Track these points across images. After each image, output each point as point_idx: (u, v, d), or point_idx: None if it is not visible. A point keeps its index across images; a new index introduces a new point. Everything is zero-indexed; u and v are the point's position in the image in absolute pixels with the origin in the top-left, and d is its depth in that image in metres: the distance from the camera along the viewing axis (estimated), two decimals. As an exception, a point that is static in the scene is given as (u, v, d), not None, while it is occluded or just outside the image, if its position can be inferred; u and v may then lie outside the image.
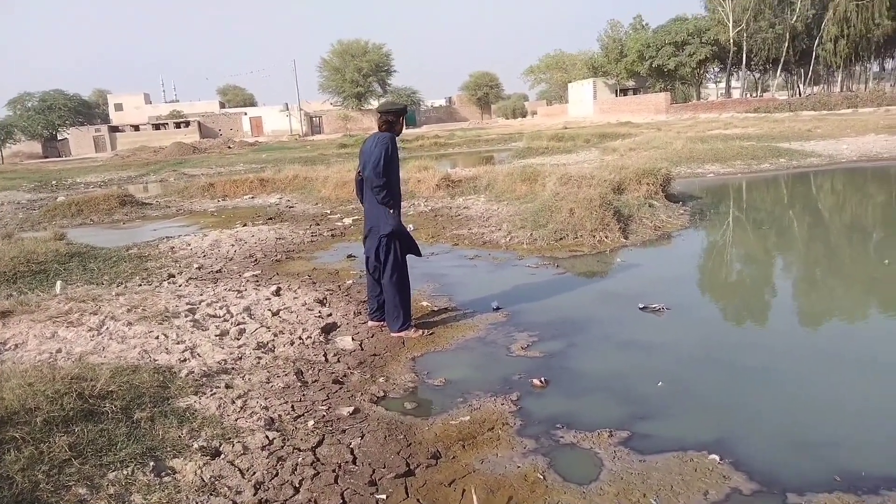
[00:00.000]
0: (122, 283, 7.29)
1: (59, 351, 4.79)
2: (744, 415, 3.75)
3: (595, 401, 4.02)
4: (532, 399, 4.05)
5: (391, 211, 5.17)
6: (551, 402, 4.01)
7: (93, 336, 5.09)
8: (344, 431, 3.70)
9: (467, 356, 4.87)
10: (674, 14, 58.72)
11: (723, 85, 61.74)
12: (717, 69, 63.19)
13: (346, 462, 3.37)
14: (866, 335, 5.13)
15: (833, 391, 4.02)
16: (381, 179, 5.03)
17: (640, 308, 5.69)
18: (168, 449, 3.41)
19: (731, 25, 50.19)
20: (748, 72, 60.35)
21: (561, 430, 3.63)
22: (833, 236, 9.12)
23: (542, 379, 4.28)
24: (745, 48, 51.00)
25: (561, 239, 8.46)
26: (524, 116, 79.26)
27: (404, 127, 5.35)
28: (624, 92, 62.36)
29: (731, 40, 50.67)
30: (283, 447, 3.50)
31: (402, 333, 5.28)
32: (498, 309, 5.88)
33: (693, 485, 3.01)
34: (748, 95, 59.07)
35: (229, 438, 3.55)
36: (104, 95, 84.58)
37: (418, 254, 5.62)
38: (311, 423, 3.78)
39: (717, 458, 3.22)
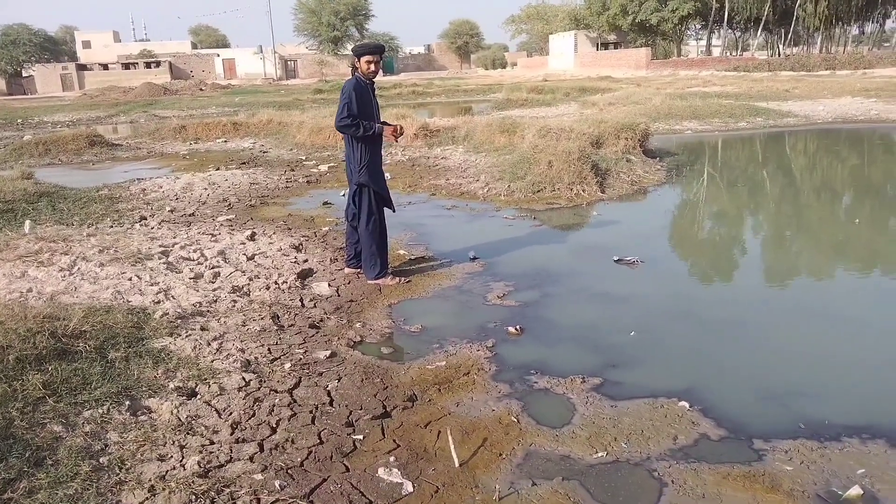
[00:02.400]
0: (92, 224, 7.16)
1: (29, 290, 4.71)
2: (713, 365, 3.85)
3: (569, 349, 4.09)
4: (507, 346, 4.11)
5: (365, 160, 5.11)
6: (526, 350, 4.07)
7: (64, 276, 5.01)
8: (321, 374, 3.72)
9: (444, 304, 4.91)
10: (658, -33, 57.59)
11: (703, 42, 61.41)
12: (698, 26, 62.74)
13: (324, 404, 3.40)
14: (833, 290, 5.26)
15: (800, 343, 4.13)
16: (343, 125, 4.99)
17: (614, 260, 5.75)
18: (143, 389, 3.41)
19: (714, -19, 49.71)
20: (729, 30, 60.06)
21: (535, 375, 3.69)
22: (805, 195, 9.25)
23: (518, 327, 4.34)
24: (727, 6, 50.63)
25: (538, 191, 8.47)
26: (504, 67, 78.23)
27: (378, 70, 5.19)
28: (605, 46, 61.77)
29: (714, -3, 50.26)
30: (259, 389, 3.52)
31: (378, 281, 5.29)
32: (475, 259, 5.90)
33: (663, 430, 3.10)
34: (728, 54, 58.83)
35: (205, 379, 3.56)
36: (71, 32, 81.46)
37: (392, 208, 5.56)
38: (287, 365, 3.80)
39: (686, 405, 3.31)
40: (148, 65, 65.30)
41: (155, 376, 3.53)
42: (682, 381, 3.61)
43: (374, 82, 5.24)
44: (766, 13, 50.28)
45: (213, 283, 5.15)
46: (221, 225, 7.27)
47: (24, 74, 63.53)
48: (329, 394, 3.50)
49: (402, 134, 5.48)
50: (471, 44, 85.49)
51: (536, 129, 10.67)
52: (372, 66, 5.06)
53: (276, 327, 4.38)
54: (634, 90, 24.58)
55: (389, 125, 5.33)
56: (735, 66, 42.01)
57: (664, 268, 5.80)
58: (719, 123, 16.42)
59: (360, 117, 5.01)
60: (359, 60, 5.07)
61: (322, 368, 3.79)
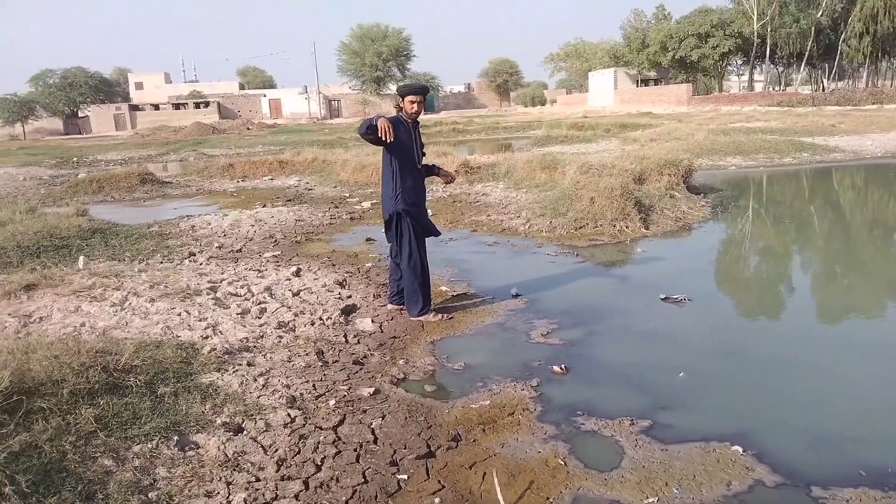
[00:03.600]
0: (143, 260, 7.35)
1: (82, 325, 4.84)
2: (767, 408, 3.73)
3: (616, 389, 4.01)
4: (552, 386, 4.05)
5: (400, 187, 5.14)
6: (572, 389, 4.00)
7: (116, 311, 5.14)
8: (365, 412, 3.72)
9: (487, 341, 4.88)
10: (698, 5, 57.76)
11: (745, 78, 60.97)
12: (739, 62, 62.38)
13: (368, 442, 3.39)
14: (889, 330, 5.07)
15: (857, 386, 3.98)
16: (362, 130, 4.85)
17: (661, 299, 5.66)
18: (192, 424, 3.44)
19: (755, 18, 49.50)
20: (771, 65, 59.60)
21: (581, 417, 3.62)
22: (856, 232, 9.01)
23: (563, 366, 4.28)
24: (769, 42, 50.29)
25: (581, 228, 8.42)
26: (543, 104, 78.83)
27: (421, 110, 5.26)
28: (645, 82, 61.81)
29: (756, 33, 49.98)
30: (304, 425, 3.53)
31: (421, 317, 5.29)
32: (517, 296, 5.87)
33: (716, 476, 3.00)
34: (771, 89, 58.33)
35: (252, 415, 3.58)
36: (125, 74, 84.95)
37: (436, 233, 5.58)
38: (332, 402, 3.81)
39: (739, 449, 3.20)
40: (197, 105, 67.53)
41: (203, 411, 3.57)
42: (734, 425, 3.50)
43: (417, 122, 5.33)
44: (809, 48, 49.78)
45: (259, 318, 5.22)
46: (268, 261, 7.39)
47: (80, 115, 66.24)
48: (373, 432, 3.49)
49: (451, 181, 5.62)
50: (510, 82, 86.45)
51: (577, 166, 10.67)
52: (415, 107, 5.16)
53: (320, 363, 4.40)
54: (676, 126, 24.45)
55: (443, 171, 5.45)
56: (778, 102, 41.55)
57: (712, 306, 5.68)
58: (764, 159, 16.19)
59: (401, 153, 5.07)
60: (403, 100, 5.16)
61: (366, 406, 3.79)
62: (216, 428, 3.42)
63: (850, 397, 3.84)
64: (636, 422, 3.53)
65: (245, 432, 3.43)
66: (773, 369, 4.27)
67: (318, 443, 3.36)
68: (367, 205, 11.51)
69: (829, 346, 4.70)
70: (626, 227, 8.30)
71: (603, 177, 9.64)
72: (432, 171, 5.58)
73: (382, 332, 5.12)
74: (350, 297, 5.93)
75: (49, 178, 20.07)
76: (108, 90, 69.88)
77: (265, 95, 74.57)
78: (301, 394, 3.90)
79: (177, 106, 67.59)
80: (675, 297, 5.67)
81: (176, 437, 3.29)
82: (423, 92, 5.26)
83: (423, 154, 5.42)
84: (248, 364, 4.27)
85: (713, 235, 8.62)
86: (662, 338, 4.87)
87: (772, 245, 8.35)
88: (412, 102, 5.14)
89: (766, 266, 7.46)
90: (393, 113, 5.34)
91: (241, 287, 6.05)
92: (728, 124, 25.22)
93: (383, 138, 4.78)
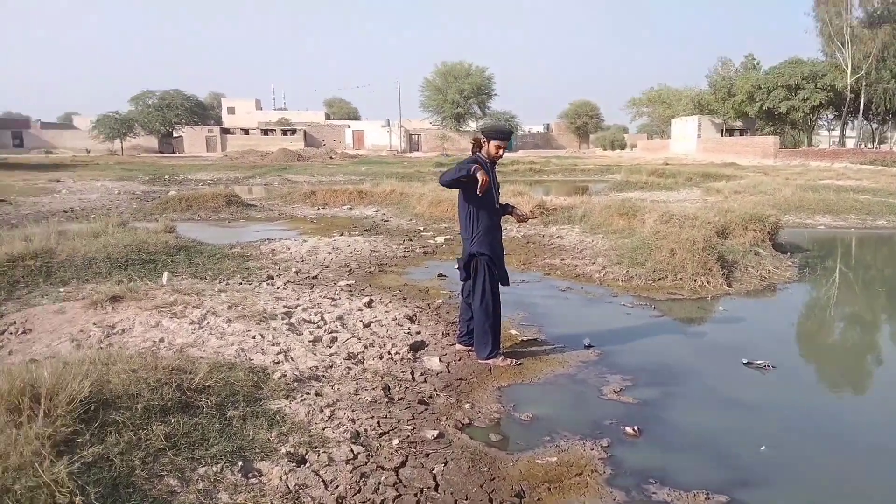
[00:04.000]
0: (224, 280, 7.57)
1: (161, 340, 4.99)
2: (856, 493, 3.45)
3: (692, 458, 3.80)
4: (624, 448, 3.88)
5: (480, 230, 5.11)
6: (644, 454, 3.82)
7: (194, 329, 5.28)
8: (428, 455, 3.65)
9: (556, 393, 4.74)
10: (788, 56, 56.03)
11: (836, 133, 58.66)
12: (831, 116, 60.13)
13: (429, 488, 3.31)
14: None
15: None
16: (445, 179, 4.93)
17: (743, 363, 5.38)
18: (257, 450, 3.46)
19: (849, 72, 47.70)
20: (865, 121, 57.13)
21: (654, 485, 3.44)
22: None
23: (636, 427, 4.10)
24: (863, 97, 48.29)
25: (659, 279, 8.17)
26: (623, 148, 78.00)
27: (503, 155, 5.25)
28: (730, 132, 60.32)
29: (849, 87, 48.08)
30: (367, 463, 3.49)
31: (489, 361, 5.20)
32: (590, 346, 5.71)
33: (800, 565, 2.78)
34: (864, 146, 55.82)
35: (316, 447, 3.57)
36: (219, 98, 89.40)
37: (505, 282, 5.49)
38: (395, 441, 3.75)
39: (828, 539, 2.96)
40: (284, 132, 70.13)
41: (268, 439, 3.58)
42: (821, 509, 3.25)
43: (496, 163, 5.31)
44: (906, 105, 47.54)
45: (329, 347, 5.25)
46: (342, 290, 7.48)
47: (175, 135, 69.83)
48: (435, 478, 3.41)
49: (525, 220, 5.57)
50: (590, 124, 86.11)
51: (658, 214, 10.41)
52: (500, 151, 5.15)
53: (386, 399, 4.37)
54: (762, 179, 23.66)
55: (517, 210, 5.43)
56: (872, 160, 39.64)
57: (799, 375, 5.35)
58: (855, 220, 15.40)
59: (482, 196, 5.05)
60: (488, 142, 5.15)
61: (429, 449, 3.72)
62: (280, 457, 3.42)
63: (954, 491, 3.51)
64: (712, 496, 3.33)
65: (308, 464, 3.41)
66: (864, 451, 3.96)
67: (379, 483, 3.30)
68: (440, 239, 11.56)
69: (929, 430, 4.33)
70: (708, 282, 8.00)
71: (685, 227, 9.36)
72: (506, 209, 5.53)
73: (450, 372, 5.05)
74: (419, 332, 5.90)
75: (142, 193, 21.14)
76: (202, 113, 73.53)
77: (349, 126, 76.81)
78: (365, 429, 3.87)
79: (265, 132, 70.36)
80: (759, 362, 5.38)
81: (240, 463, 3.30)
82: (510, 137, 5.25)
83: (499, 195, 5.40)
84: (316, 394, 4.28)
85: (799, 298, 8.21)
86: (743, 406, 4.61)
87: (862, 312, 7.87)
88: (497, 147, 5.13)
89: (855, 335, 7.02)
90: (469, 149, 5.35)
91: (315, 314, 6.12)
92: (817, 181, 24.21)
93: (479, 193, 4.80)
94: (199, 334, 5.16)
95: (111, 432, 3.21)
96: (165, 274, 7.39)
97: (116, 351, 4.34)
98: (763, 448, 3.90)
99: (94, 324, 5.35)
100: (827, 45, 50.42)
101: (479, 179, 4.69)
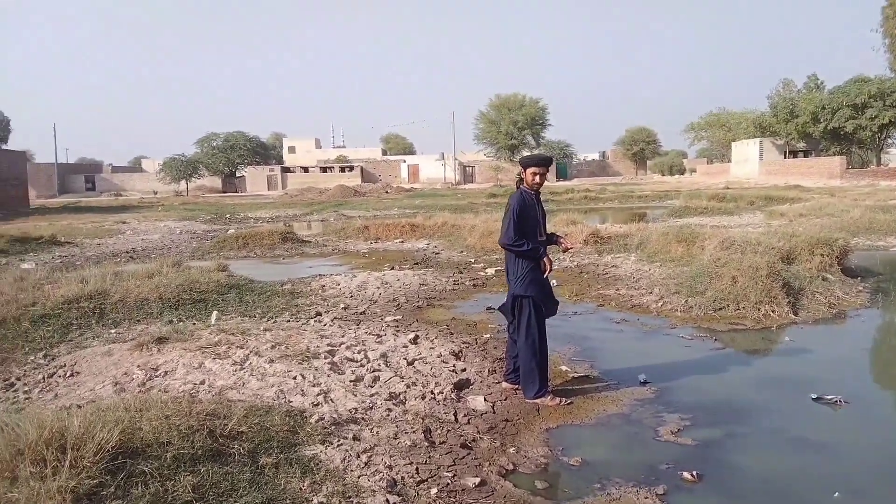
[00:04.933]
0: (272, 318, 7.55)
1: (202, 382, 4.94)
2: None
3: (757, 507, 3.47)
4: (681, 495, 3.57)
5: (524, 270, 4.94)
6: (704, 502, 3.50)
7: (235, 370, 5.22)
8: (468, 505, 3.43)
9: (608, 434, 4.45)
10: (853, 75, 53.92)
11: (908, 151, 55.99)
12: (901, 134, 57.48)
13: (467, 542, 3.09)
14: None
15: None
16: (509, 242, 4.93)
17: (812, 398, 4.97)
18: (287, 501, 3.30)
19: (920, 87, 45.56)
20: (940, 137, 54.37)
21: (715, 539, 3.13)
22: None
23: (694, 472, 3.78)
24: (935, 112, 45.99)
25: (720, 309, 7.75)
26: (682, 174, 76.45)
27: (544, 182, 5.11)
28: (793, 154, 58.36)
29: (920, 103, 45.89)
30: (402, 515, 3.29)
31: (537, 400, 4.95)
32: (645, 383, 5.39)
33: None
34: (938, 163, 53.05)
35: (349, 497, 3.40)
36: (280, 138, 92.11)
37: (551, 312, 5.27)
38: (434, 490, 3.55)
39: None
40: (342, 168, 71.57)
41: (301, 488, 3.43)
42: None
43: (539, 193, 5.14)
44: None
45: (371, 387, 5.10)
46: (388, 325, 7.36)
47: (237, 175, 72.08)
48: (475, 530, 3.19)
49: (567, 249, 5.39)
50: (647, 150, 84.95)
51: (718, 241, 9.97)
52: (538, 178, 4.99)
53: (426, 443, 4.17)
54: (828, 201, 22.64)
55: (559, 238, 5.24)
56: (948, 176, 37.61)
57: (873, 411, 4.91)
58: (933, 241, 14.47)
59: (527, 229, 4.91)
60: (525, 171, 5.01)
61: (470, 499, 3.50)
62: (311, 508, 3.26)
63: None
64: (782, 552, 3.00)
65: (340, 516, 3.24)
66: (960, 500, 3.54)
67: (415, 537, 3.10)
68: (491, 271, 11.36)
69: None
70: (773, 311, 7.53)
71: (747, 254, 8.91)
72: (552, 239, 5.33)
73: (495, 412, 4.83)
74: (464, 370, 5.70)
75: (202, 232, 21.71)
76: (264, 153, 75.75)
77: (405, 161, 77.81)
78: (402, 477, 3.68)
79: (324, 169, 71.95)
80: (829, 397, 4.96)
81: (270, 515, 3.16)
82: (547, 164, 5.08)
83: (546, 225, 5.21)
84: (354, 438, 4.12)
85: (872, 325, 7.65)
86: (813, 446, 4.23)
87: (949, 341, 7.26)
88: (534, 174, 4.98)
89: (943, 366, 6.46)
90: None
91: (359, 352, 5.99)
92: (887, 200, 23.01)
93: (543, 276, 5.05)
94: (239, 376, 5.09)
95: (137, 484, 3.12)
96: (214, 313, 7.43)
97: (153, 395, 4.29)
98: (836, 495, 3.53)
99: (139, 366, 5.36)
100: (894, 61, 48.40)
101: (544, 269, 5.02)
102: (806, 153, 57.49)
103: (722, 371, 5.77)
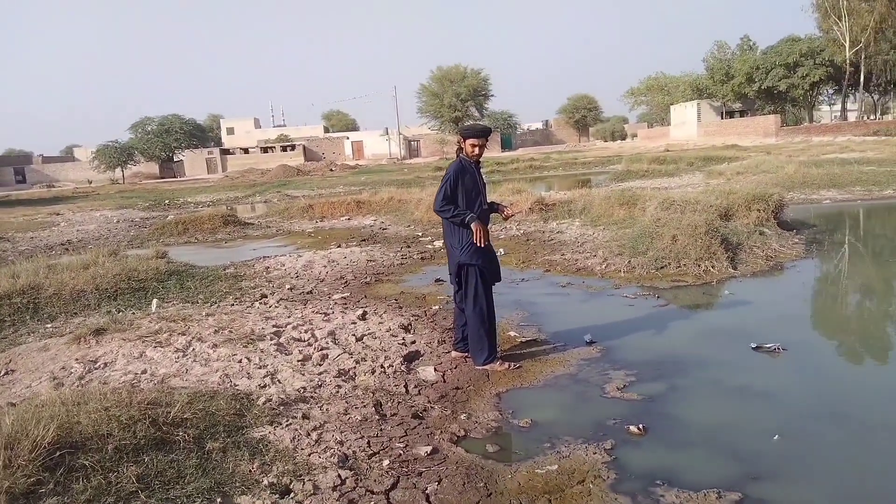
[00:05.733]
0: (215, 303, 7.39)
1: (144, 372, 4.80)
2: (874, 480, 3.22)
3: (700, 454, 3.57)
4: (628, 448, 3.65)
5: (468, 239, 4.91)
6: (650, 454, 3.59)
7: (178, 358, 5.09)
8: (420, 474, 3.43)
9: (557, 395, 4.52)
10: (784, 35, 55.48)
11: (838, 107, 58.07)
12: (831, 91, 59.56)
13: (421, 510, 3.10)
14: None
15: None
16: (441, 209, 4.88)
17: (752, 348, 5.14)
18: (237, 484, 3.25)
19: (847, 46, 47.12)
20: (866, 94, 56.46)
21: (661, 487, 3.21)
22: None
23: (641, 426, 3.87)
24: (863, 69, 47.72)
25: (662, 268, 7.93)
26: (623, 139, 77.63)
27: (483, 152, 5.08)
28: (730, 114, 59.88)
29: (848, 61, 47.52)
30: (354, 489, 3.28)
31: (486, 366, 4.99)
32: (592, 343, 5.48)
33: (823, 569, 2.55)
34: (866, 118, 55.16)
35: (300, 475, 3.36)
36: (217, 120, 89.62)
37: (498, 278, 5.28)
38: (386, 462, 3.54)
39: (851, 536, 2.73)
40: (284, 148, 70.10)
41: (250, 470, 3.37)
42: (837, 501, 3.01)
43: (479, 161, 5.12)
44: (907, 74, 46.92)
45: (319, 365, 5.05)
46: (336, 303, 7.28)
47: (175, 159, 69.91)
48: (428, 498, 3.20)
49: (510, 216, 5.35)
50: (589, 117, 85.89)
51: (659, 202, 10.18)
52: (476, 150, 4.96)
53: (377, 416, 4.16)
54: (764, 158, 23.31)
55: (501, 207, 5.23)
56: (875, 131, 39.16)
57: (810, 357, 5.11)
58: (862, 192, 15.10)
59: (466, 198, 4.89)
60: (464, 142, 4.98)
61: (422, 467, 3.50)
62: (262, 489, 3.21)
63: None
64: (724, 495, 3.10)
65: (291, 495, 3.21)
66: (882, 434, 3.71)
67: (368, 509, 3.10)
68: (438, 244, 11.34)
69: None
70: (712, 266, 7.75)
71: (686, 213, 9.13)
72: (493, 208, 5.32)
73: (445, 382, 4.84)
74: (414, 342, 5.70)
75: (140, 220, 21.06)
76: (202, 135, 73.54)
77: (348, 138, 76.77)
78: (354, 451, 3.66)
79: (265, 149, 70.36)
80: (768, 346, 5.14)
81: (219, 500, 3.10)
82: (486, 135, 5.05)
83: (487, 194, 5.19)
84: (303, 417, 4.08)
85: (808, 275, 7.94)
86: (754, 393, 4.37)
87: (873, 285, 7.60)
88: (474, 146, 4.95)
89: (867, 310, 6.76)
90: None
91: (306, 332, 5.92)
92: (820, 156, 23.87)
93: (478, 244, 4.87)
94: (182, 363, 4.97)
95: (78, 478, 3.01)
96: (154, 301, 7.22)
97: (93, 388, 4.16)
98: (776, 438, 3.67)
99: (77, 360, 5.18)
100: (824, 21, 49.81)
101: (475, 235, 4.83)
102: (742, 113, 59.04)
103: (665, 327, 5.91)
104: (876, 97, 58.35)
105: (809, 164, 19.57)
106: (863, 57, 47.06)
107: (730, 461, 3.47)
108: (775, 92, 53.69)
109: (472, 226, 4.82)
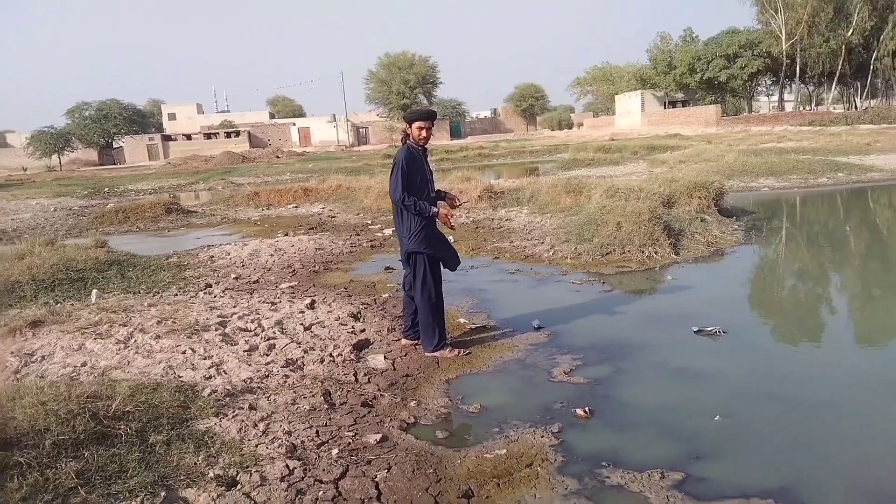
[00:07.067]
0: (158, 293, 7.20)
1: (83, 364, 4.65)
2: (812, 456, 3.37)
3: (645, 435, 3.67)
4: (575, 431, 3.72)
5: (417, 227, 4.90)
6: (596, 436, 3.67)
7: (119, 349, 4.95)
8: (370, 462, 3.43)
9: (505, 380, 4.56)
10: (725, 26, 57.06)
11: (775, 98, 60.02)
12: (769, 82, 61.50)
13: (370, 498, 3.10)
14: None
15: (915, 433, 3.59)
16: (405, 201, 4.83)
17: (693, 331, 5.29)
18: (182, 477, 3.19)
19: (784, 38, 48.68)
20: (802, 85, 58.50)
21: (607, 468, 3.29)
22: (902, 256, 8.51)
23: (587, 409, 3.95)
24: (798, 61, 49.42)
25: (607, 254, 8.08)
26: (570, 128, 78.50)
27: (430, 137, 5.05)
28: (673, 104, 61.21)
29: (785, 53, 49.12)
30: (303, 478, 3.25)
31: (436, 353, 5.00)
32: (539, 328, 5.55)
33: (759, 542, 2.65)
34: (802, 108, 57.19)
35: (247, 467, 3.32)
36: (158, 105, 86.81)
37: (451, 267, 5.30)
38: (335, 451, 3.52)
39: (785, 510, 2.85)
40: (228, 134, 68.50)
41: (195, 463, 3.31)
42: (775, 477, 3.15)
43: (426, 149, 5.10)
44: (840, 67, 48.78)
45: (266, 355, 4.98)
46: (283, 292, 7.18)
47: (115, 146, 67.59)
48: (377, 486, 3.20)
49: (457, 206, 5.37)
50: (536, 106, 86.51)
51: (604, 189, 10.34)
52: (423, 133, 4.93)
53: (326, 406, 4.13)
54: (705, 147, 23.95)
55: (447, 193, 5.23)
56: (810, 121, 40.67)
57: (750, 339, 5.29)
58: (798, 180, 15.67)
59: (414, 186, 4.86)
60: (410, 127, 4.94)
61: (371, 455, 3.50)
62: (208, 482, 3.16)
63: (908, 445, 3.45)
64: (667, 474, 3.19)
65: (239, 486, 3.16)
66: (818, 412, 3.89)
67: (317, 499, 3.08)
68: (388, 232, 11.29)
69: (879, 383, 4.29)
70: (655, 252, 7.94)
71: (630, 200, 9.30)
72: (440, 196, 5.32)
73: (395, 369, 4.84)
74: (364, 331, 5.67)
75: (79, 208, 20.32)
76: (142, 121, 71.28)
77: (294, 124, 75.46)
78: (302, 441, 3.62)
79: (208, 136, 68.64)
80: (709, 329, 5.30)
81: (163, 493, 3.03)
82: (432, 118, 5.03)
83: (434, 183, 5.19)
84: (250, 407, 4.02)
85: (747, 260, 8.21)
86: (695, 375, 4.51)
87: (810, 270, 7.91)
88: (420, 129, 4.92)
89: (805, 294, 7.03)
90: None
91: (252, 321, 5.82)
92: (759, 145, 24.66)
93: (452, 227, 5.20)
94: (124, 354, 4.83)
95: (13, 476, 2.90)
96: (94, 292, 6.99)
97: (29, 382, 4.00)
98: (717, 418, 3.80)
99: (12, 353, 4.98)
100: (761, 13, 51.29)
101: (441, 218, 4.99)
102: (684, 103, 60.41)
103: (610, 312, 6.03)
104: (811, 88, 60.50)
105: (748, 153, 20.19)
106: (798, 49, 48.68)
107: (673, 441, 3.57)
108: (716, 83, 55.13)
109: (442, 213, 4.97)
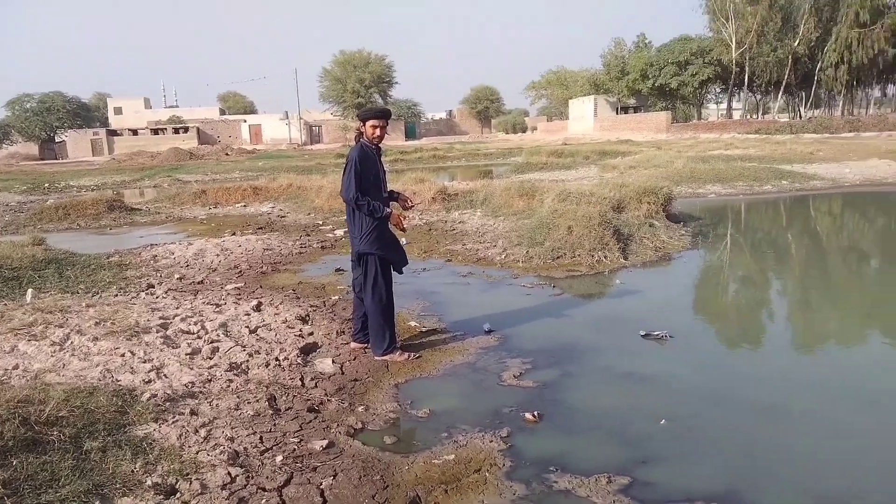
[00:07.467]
0: (97, 293, 6.95)
1: (15, 367, 4.43)
2: (757, 459, 3.42)
3: (592, 440, 3.68)
4: (524, 436, 3.71)
5: (369, 227, 4.85)
6: (544, 440, 3.67)
7: (54, 352, 4.74)
8: (315, 469, 3.35)
9: (455, 384, 4.53)
10: (678, 34, 58.53)
11: (724, 106, 61.79)
12: (718, 90, 63.29)
13: (315, 506, 3.02)
14: (880, 365, 4.79)
15: (853, 430, 3.69)
16: (359, 201, 4.75)
17: (641, 335, 5.36)
18: (118, 485, 3.06)
19: (734, 47, 50.19)
20: (750, 93, 60.40)
21: (555, 473, 3.29)
22: (837, 260, 8.81)
23: (535, 413, 3.94)
24: (747, 70, 50.97)
25: (558, 258, 8.14)
26: (524, 131, 79.23)
27: (384, 135, 4.99)
28: (625, 110, 62.39)
29: (734, 61, 50.64)
30: (245, 486, 3.16)
31: (386, 357, 4.94)
32: (490, 332, 5.55)
33: (702, 546, 2.68)
34: (749, 117, 59.06)
35: (187, 474, 3.20)
36: (104, 99, 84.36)
37: (399, 270, 5.24)
38: (279, 458, 3.43)
39: (728, 513, 2.89)
40: (176, 130, 66.97)
41: (133, 470, 3.18)
42: (721, 481, 3.19)
43: (380, 148, 5.04)
44: (786, 77, 50.49)
45: (210, 359, 4.84)
46: (228, 294, 7.01)
47: (57, 140, 65.37)
48: (322, 493, 3.13)
49: (409, 207, 5.33)
50: (491, 109, 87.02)
51: (556, 193, 10.42)
52: (377, 131, 4.87)
53: (271, 411, 4.02)
54: (655, 153, 24.41)
55: (399, 195, 5.18)
56: (757, 129, 41.96)
57: (695, 343, 5.38)
58: (744, 187, 16.11)
59: (367, 185, 4.80)
60: (364, 125, 4.88)
61: (317, 462, 3.42)
62: (145, 490, 3.04)
63: (846, 445, 3.55)
64: (614, 479, 3.21)
65: (178, 495, 3.05)
66: (762, 415, 3.96)
67: (259, 507, 2.99)
68: (339, 233, 11.16)
69: (823, 387, 4.41)
70: (605, 256, 8.04)
71: (581, 205, 9.40)
72: (393, 196, 5.26)
73: (343, 373, 4.76)
74: (311, 334, 5.57)
75: (17, 204, 19.55)
76: (87, 115, 69.20)
77: (245, 121, 74.23)
78: (245, 448, 3.52)
79: (155, 131, 67.00)
80: (656, 333, 5.38)
81: (97, 502, 2.90)
82: (386, 116, 4.97)
83: (387, 182, 5.14)
84: (191, 413, 3.89)
85: (693, 265, 8.38)
86: (642, 379, 4.56)
87: (754, 276, 8.11)
88: (374, 127, 4.86)
89: (747, 298, 7.20)
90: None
91: (195, 324, 5.66)
92: (707, 151, 25.29)
93: (404, 229, 5.15)
94: (59, 357, 4.63)
95: (-69, 487, 2.74)
96: (29, 291, 6.70)
97: (-47, 386, 3.79)
98: (663, 421, 3.84)
99: (-65, 355, 4.71)
100: (713, 22, 52.78)
101: (394, 220, 4.98)
102: (636, 109, 61.68)
103: (560, 315, 6.07)
104: (758, 97, 62.47)
105: (697, 159, 20.65)
106: (747, 58, 50.23)
107: (620, 446, 3.59)
108: (667, 89, 56.43)
109: (395, 214, 4.93)
